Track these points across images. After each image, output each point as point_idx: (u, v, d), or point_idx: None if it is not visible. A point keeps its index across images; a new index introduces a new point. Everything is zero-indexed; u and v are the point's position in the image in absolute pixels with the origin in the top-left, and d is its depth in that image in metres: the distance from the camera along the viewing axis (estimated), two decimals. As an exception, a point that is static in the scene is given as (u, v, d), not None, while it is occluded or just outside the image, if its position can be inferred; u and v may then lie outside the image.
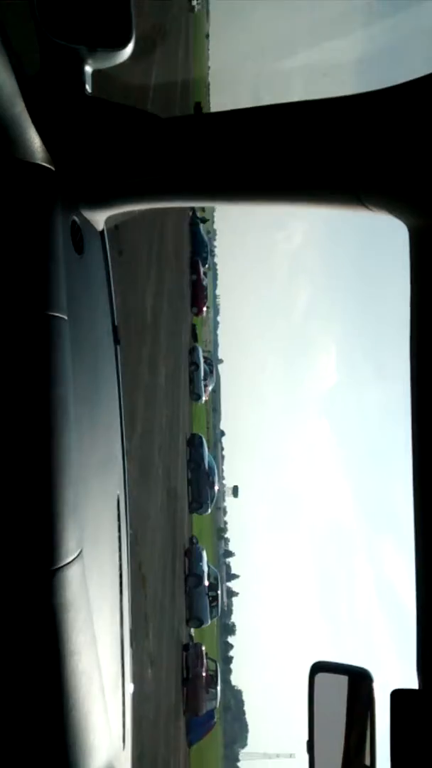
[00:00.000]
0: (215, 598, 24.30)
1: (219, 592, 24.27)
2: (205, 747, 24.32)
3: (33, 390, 1.19)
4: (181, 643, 20.58)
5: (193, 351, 27.03)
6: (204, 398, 31.38)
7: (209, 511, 27.79)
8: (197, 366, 27.09)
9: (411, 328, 1.11)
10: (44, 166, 1.29)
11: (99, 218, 1.54)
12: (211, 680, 21.54)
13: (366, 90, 1.17)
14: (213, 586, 24.36)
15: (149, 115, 1.37)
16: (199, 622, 23.93)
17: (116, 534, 1.58)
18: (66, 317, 1.25)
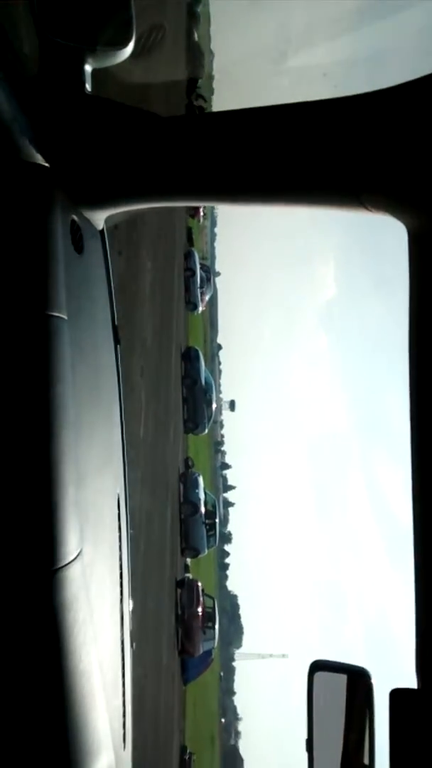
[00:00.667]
0: (213, 526, 21.99)
1: (217, 520, 21.90)
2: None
3: (33, 390, 1.19)
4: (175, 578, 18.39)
5: (188, 256, 23.93)
6: (201, 308, 28.19)
7: (206, 430, 25.32)
8: (193, 272, 24.06)
9: (410, 328, 1.11)
10: (44, 165, 1.30)
11: (99, 218, 1.54)
12: (208, 619, 19.51)
13: (366, 90, 1.16)
14: (210, 514, 22.06)
15: (149, 115, 1.37)
16: (195, 552, 21.80)
17: (116, 534, 1.58)
18: (66, 317, 1.25)
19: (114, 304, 1.68)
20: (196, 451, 28.40)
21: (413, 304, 1.10)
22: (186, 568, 22.36)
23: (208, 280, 27.95)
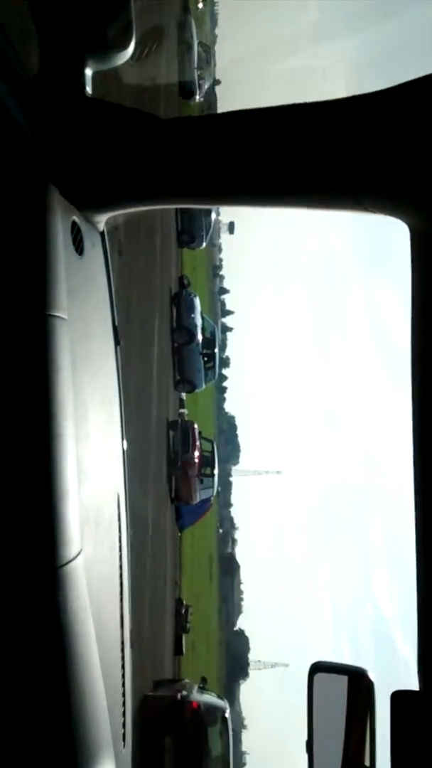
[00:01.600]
0: (211, 357, 18.35)
1: (216, 350, 18.20)
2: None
3: (33, 390, 1.19)
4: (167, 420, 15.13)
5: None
6: (198, 98, 22.69)
7: (203, 245, 20.99)
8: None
9: (412, 326, 1.13)
10: (45, 167, 1.30)
11: (99, 219, 1.54)
12: (206, 464, 16.56)
13: (365, 91, 1.17)
14: (208, 343, 18.31)
15: (149, 116, 1.35)
16: (191, 387, 18.35)
17: (116, 534, 1.59)
18: (66, 317, 1.25)
19: (114, 304, 1.69)
20: (192, 273, 24.34)
21: (416, 302, 1.13)
22: (180, 404, 19.12)
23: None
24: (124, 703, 1.56)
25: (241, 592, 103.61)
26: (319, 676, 1.41)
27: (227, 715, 10.26)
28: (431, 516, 1.06)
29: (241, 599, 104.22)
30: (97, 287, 1.56)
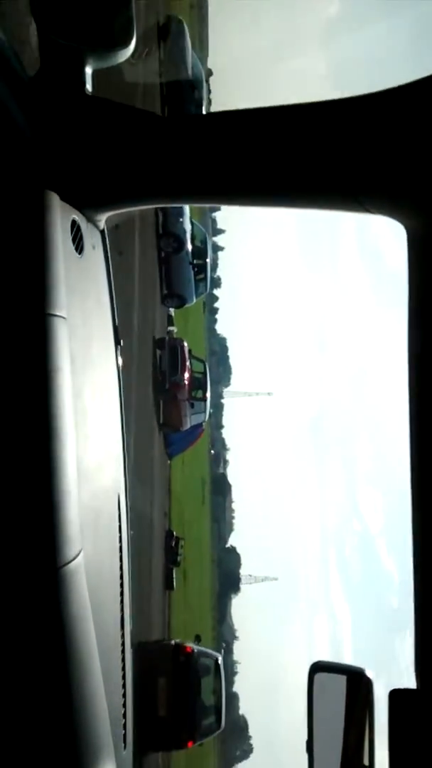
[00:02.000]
0: (202, 268, 16.55)
1: (208, 260, 16.18)
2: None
3: (33, 389, 1.19)
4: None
5: None
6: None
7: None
8: None
9: (409, 326, 1.14)
10: (44, 166, 1.30)
11: (99, 218, 1.53)
12: (197, 387, 14.92)
13: (365, 92, 1.17)
14: (199, 252, 16.33)
15: (149, 115, 1.35)
16: (180, 301, 16.49)
17: (116, 534, 1.60)
18: (66, 316, 1.25)
19: (114, 303, 1.68)
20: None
21: (412, 302, 1.13)
22: (169, 321, 17.27)
23: None
24: (124, 704, 1.57)
25: (233, 511, 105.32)
26: (319, 676, 1.42)
27: (220, 661, 10.49)
28: (429, 519, 1.06)
29: (233, 518, 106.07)
30: (97, 286, 1.55)
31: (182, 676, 9.21)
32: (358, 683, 1.35)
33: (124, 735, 1.54)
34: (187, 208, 16.08)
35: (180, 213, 15.68)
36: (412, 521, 1.09)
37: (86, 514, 1.29)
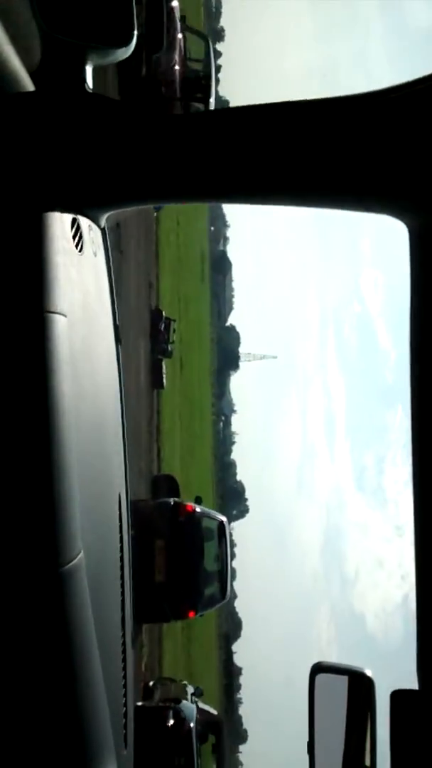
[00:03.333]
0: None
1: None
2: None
3: (32, 389, 1.17)
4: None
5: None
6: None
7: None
8: None
9: (411, 325, 1.13)
10: (44, 163, 1.27)
11: (100, 216, 1.51)
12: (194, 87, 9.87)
13: (365, 90, 1.17)
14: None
15: (150, 112, 1.44)
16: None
17: (117, 534, 1.59)
18: (66, 316, 1.24)
19: (115, 302, 1.67)
20: None
21: (414, 301, 1.13)
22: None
23: None
24: (125, 704, 1.57)
25: (233, 290, 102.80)
26: (320, 677, 1.41)
27: (225, 524, 9.06)
28: (429, 520, 1.05)
29: (233, 297, 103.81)
30: (98, 285, 1.53)
31: (182, 538, 8.14)
32: (359, 684, 1.34)
33: (125, 735, 1.55)
34: None
35: None
36: (414, 527, 1.07)
37: (86, 514, 1.27)
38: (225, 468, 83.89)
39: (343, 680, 1.35)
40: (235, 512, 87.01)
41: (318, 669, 1.38)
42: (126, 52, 1.40)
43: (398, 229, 1.15)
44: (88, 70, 1.41)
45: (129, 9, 1.38)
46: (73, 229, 1.33)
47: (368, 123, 1.09)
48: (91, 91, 1.41)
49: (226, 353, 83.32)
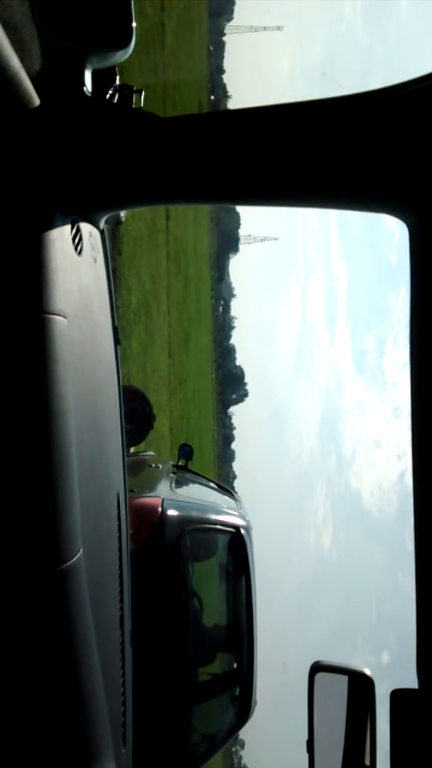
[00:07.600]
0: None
1: None
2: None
3: (32, 390, 1.18)
4: None
5: None
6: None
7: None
8: None
9: (411, 323, 1.14)
10: (44, 166, 1.27)
11: (99, 219, 1.53)
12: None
13: (364, 90, 1.17)
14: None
15: (149, 115, 1.35)
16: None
17: (116, 534, 1.60)
18: (65, 317, 1.24)
19: (114, 304, 1.67)
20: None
21: (414, 299, 1.12)
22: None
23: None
24: (124, 703, 1.57)
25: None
26: (320, 676, 1.40)
27: (245, 535, 3.43)
28: (430, 522, 1.05)
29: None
30: (97, 287, 1.53)
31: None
32: (359, 683, 1.35)
33: (124, 734, 1.56)
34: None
35: None
36: (414, 524, 1.07)
37: (86, 513, 1.28)
38: (225, 353, 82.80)
39: (343, 680, 1.36)
40: (234, 396, 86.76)
41: (317, 668, 1.40)
42: (126, 53, 1.38)
43: (398, 227, 1.16)
44: (87, 74, 1.40)
45: (127, 10, 1.36)
46: (73, 232, 1.33)
47: (368, 122, 1.08)
48: (90, 94, 1.40)
49: (225, 235, 79.90)
